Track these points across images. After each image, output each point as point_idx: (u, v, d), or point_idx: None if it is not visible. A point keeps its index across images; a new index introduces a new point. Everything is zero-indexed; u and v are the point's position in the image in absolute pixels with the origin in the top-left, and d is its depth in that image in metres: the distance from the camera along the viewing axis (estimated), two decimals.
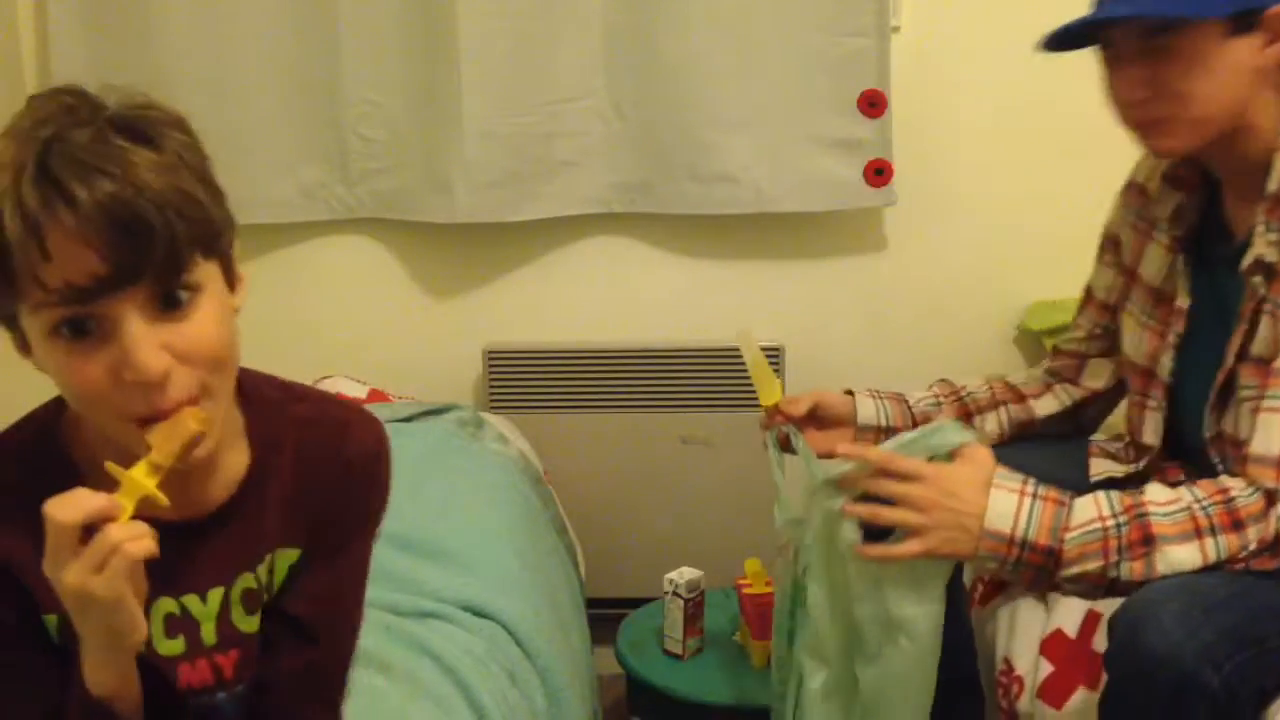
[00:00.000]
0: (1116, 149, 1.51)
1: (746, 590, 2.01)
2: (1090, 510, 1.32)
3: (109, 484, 0.89)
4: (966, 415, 1.72)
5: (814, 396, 1.69)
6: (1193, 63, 1.34)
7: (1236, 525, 1.26)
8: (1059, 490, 1.35)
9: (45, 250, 0.83)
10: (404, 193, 2.30)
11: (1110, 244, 1.67)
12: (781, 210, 2.26)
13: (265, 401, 1.05)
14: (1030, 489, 1.35)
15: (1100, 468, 1.63)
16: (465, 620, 1.55)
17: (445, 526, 1.74)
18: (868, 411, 1.70)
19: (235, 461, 1.03)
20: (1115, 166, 1.63)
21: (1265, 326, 1.34)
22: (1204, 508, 1.28)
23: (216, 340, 0.91)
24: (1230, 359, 1.39)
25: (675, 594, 1.96)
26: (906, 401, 1.73)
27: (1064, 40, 1.41)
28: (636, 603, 2.17)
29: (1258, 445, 1.29)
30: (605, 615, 2.17)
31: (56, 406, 0.99)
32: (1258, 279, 1.36)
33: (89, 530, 0.85)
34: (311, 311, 2.37)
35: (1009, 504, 1.33)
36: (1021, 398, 1.73)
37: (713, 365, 2.30)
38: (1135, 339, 1.60)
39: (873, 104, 2.20)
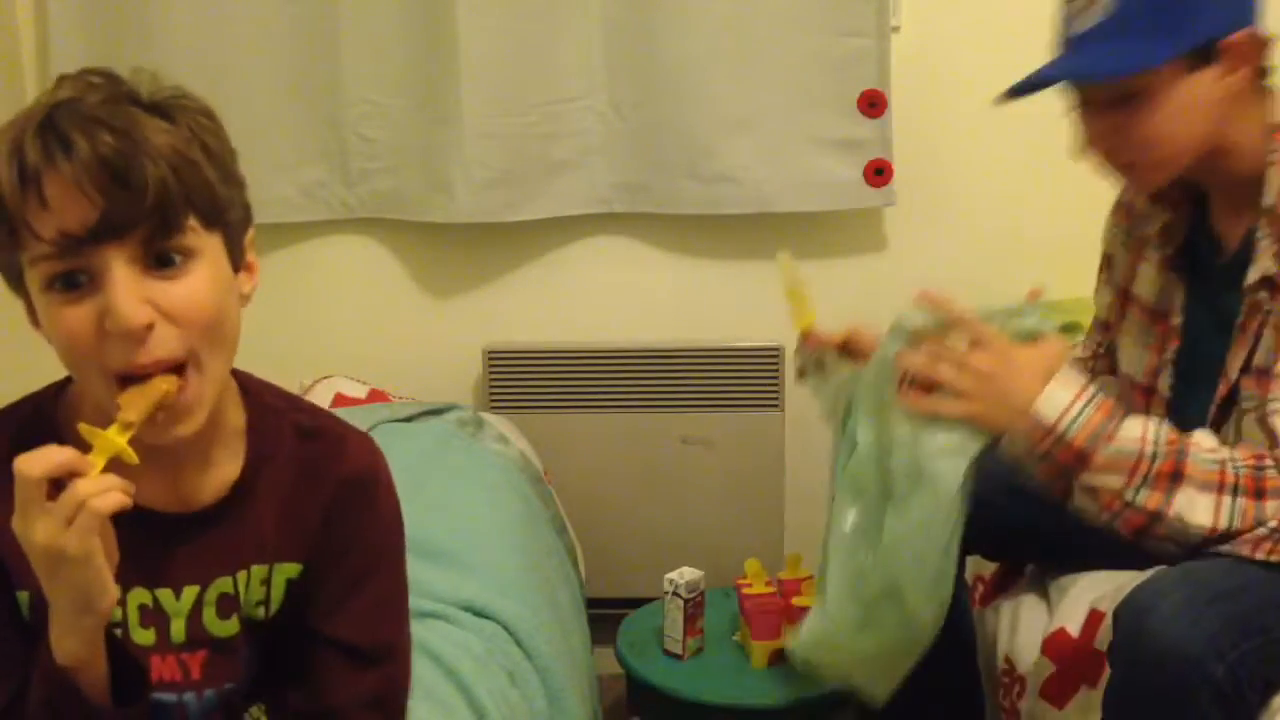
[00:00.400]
0: None
1: (746, 590, 2.01)
2: (1136, 429, 1.32)
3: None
4: None
5: (849, 328, 1.63)
6: (1157, 105, 1.36)
7: (1259, 493, 1.26)
8: (1115, 403, 1.35)
9: (43, 198, 0.86)
10: (404, 193, 2.30)
11: (1106, 263, 1.68)
12: (781, 210, 2.26)
13: (266, 407, 1.05)
14: (1089, 394, 1.35)
15: None
16: (465, 620, 1.55)
17: (445, 526, 1.73)
18: None
19: (230, 463, 1.02)
20: None
21: (1267, 337, 1.34)
22: (1235, 467, 1.28)
23: (208, 305, 0.91)
24: (1234, 373, 1.40)
25: (675, 594, 1.96)
26: None
27: (1028, 88, 1.44)
28: (636, 603, 2.17)
29: None
30: (605, 615, 2.17)
31: (56, 388, 1.00)
32: (1264, 294, 1.36)
33: (58, 487, 0.84)
34: (311, 311, 2.37)
35: (1064, 398, 1.34)
36: None
37: (713, 365, 2.30)
38: (1133, 357, 1.61)
39: (873, 104, 2.20)
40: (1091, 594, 1.50)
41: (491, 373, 2.32)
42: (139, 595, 1.00)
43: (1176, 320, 1.53)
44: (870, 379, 1.46)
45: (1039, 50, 2.17)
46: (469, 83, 2.19)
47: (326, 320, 2.40)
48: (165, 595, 1.00)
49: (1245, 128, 1.38)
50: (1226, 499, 1.27)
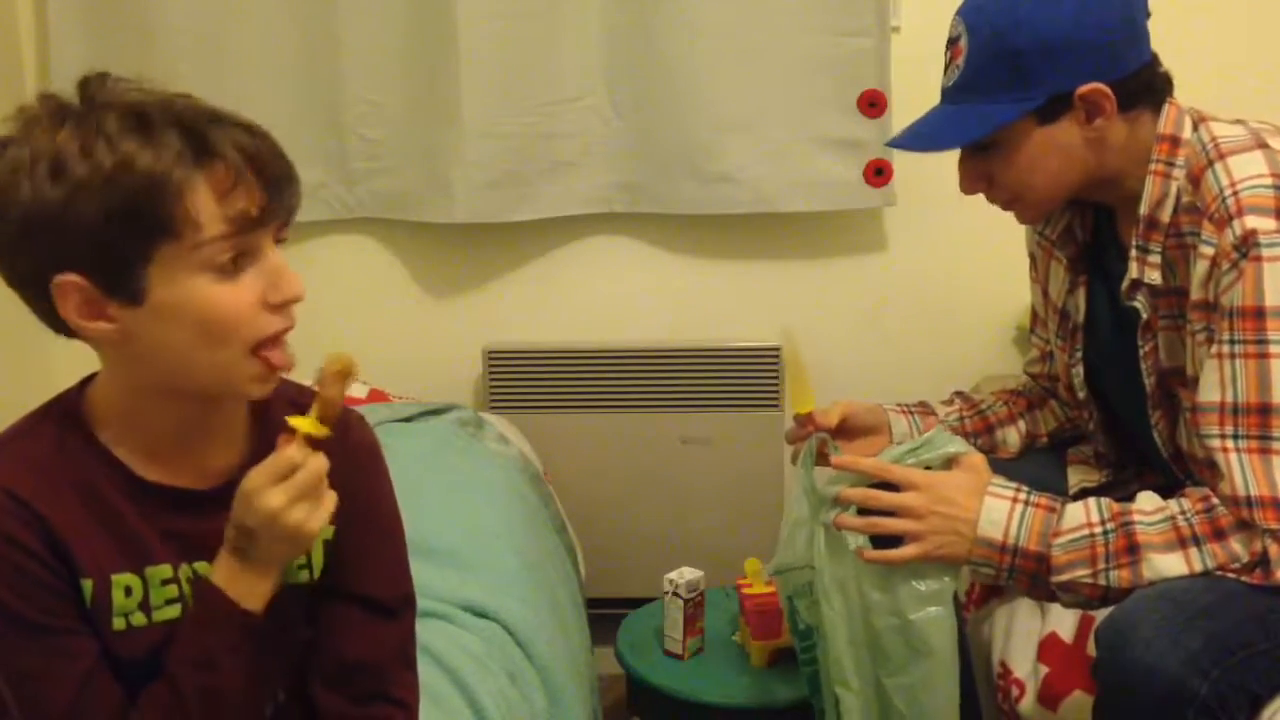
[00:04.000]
0: None
1: (746, 590, 2.01)
2: (1079, 517, 1.33)
3: (134, 456, 1.00)
4: (988, 429, 1.72)
5: (842, 407, 1.67)
6: (1015, 156, 1.40)
7: (1218, 534, 1.26)
8: (1051, 497, 1.36)
9: (236, 184, 0.93)
10: (404, 193, 2.30)
11: (1031, 262, 1.69)
12: (781, 210, 2.26)
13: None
14: (1023, 496, 1.36)
15: (1077, 477, 1.64)
16: (465, 620, 1.55)
17: (445, 527, 1.74)
18: (901, 429, 1.69)
19: (243, 439, 1.08)
20: None
21: (1190, 348, 1.35)
22: (1187, 518, 1.28)
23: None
24: (1149, 379, 1.42)
25: (675, 594, 1.96)
26: (935, 414, 1.73)
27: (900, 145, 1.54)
28: (636, 603, 2.17)
29: (1226, 486, 1.27)
30: (605, 615, 2.17)
31: (75, 392, 1.04)
32: (1140, 300, 1.39)
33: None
34: (311, 311, 2.35)
35: (1001, 511, 1.35)
36: (1030, 407, 1.74)
37: (713, 365, 2.30)
38: (1058, 356, 1.64)
39: (873, 104, 2.20)
40: None
41: (491, 373, 2.32)
42: (188, 571, 1.04)
43: (1080, 319, 1.55)
44: (824, 561, 1.48)
45: None
46: (469, 83, 2.19)
47: (326, 320, 2.39)
48: (203, 568, 1.04)
49: (1118, 161, 1.40)
50: (1192, 550, 1.26)
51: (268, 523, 0.96)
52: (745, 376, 2.30)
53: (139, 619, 1.01)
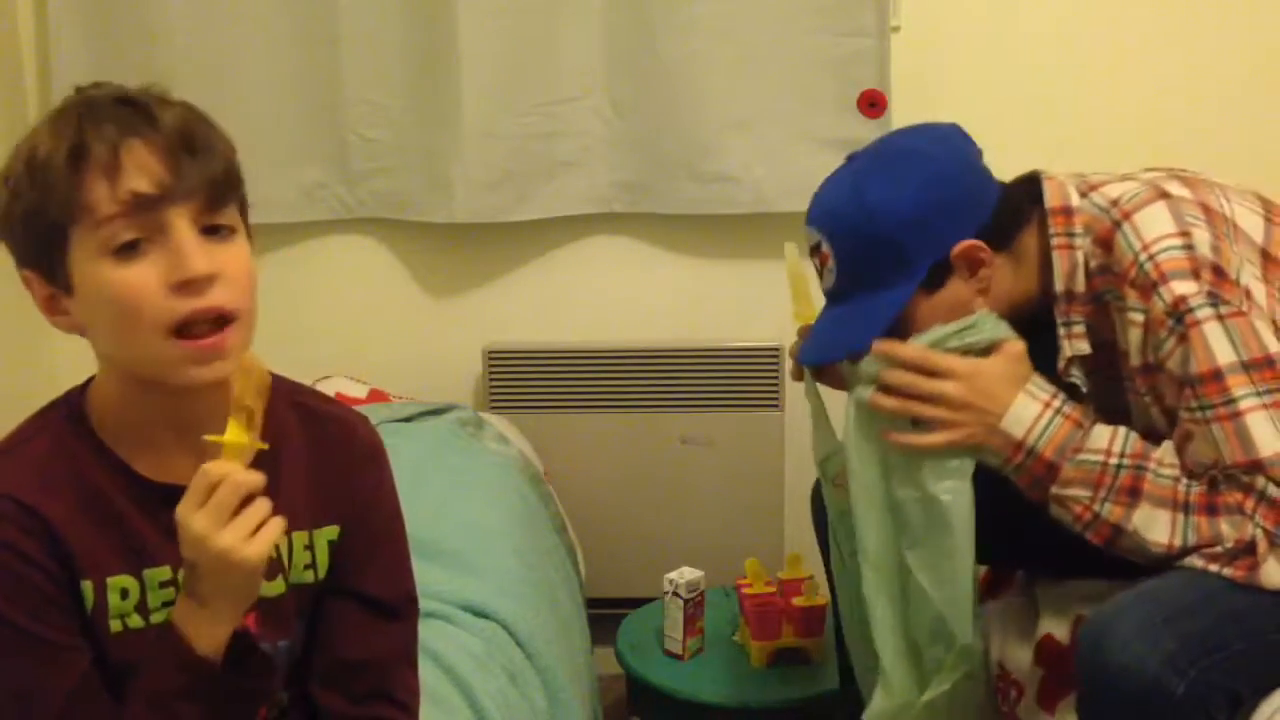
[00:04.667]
0: (1114, 149, 1.52)
1: (746, 590, 2.01)
2: (1102, 441, 1.34)
3: (134, 453, 1.01)
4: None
5: None
6: (917, 328, 1.41)
7: (1211, 509, 1.27)
8: (1084, 411, 1.37)
9: (119, 163, 0.92)
10: (404, 193, 2.30)
11: None
12: (781, 210, 2.25)
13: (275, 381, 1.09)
14: (1056, 404, 1.37)
15: None
16: (465, 620, 1.55)
17: (445, 526, 1.74)
18: None
19: None
20: (1113, 166, 1.63)
21: (1133, 403, 1.37)
22: (1189, 485, 1.29)
23: (251, 269, 1.00)
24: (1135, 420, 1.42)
25: (675, 594, 1.96)
26: None
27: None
28: (636, 603, 2.17)
29: (1229, 454, 1.28)
30: (605, 615, 2.18)
31: (77, 392, 1.04)
32: (1076, 374, 1.42)
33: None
34: (311, 311, 2.37)
35: (1031, 412, 1.36)
36: None
37: (713, 365, 2.30)
38: None
39: (873, 104, 2.20)
40: (1078, 600, 1.50)
41: (491, 373, 2.32)
42: None
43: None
44: (851, 436, 1.48)
45: (1038, 50, 2.18)
46: (469, 83, 2.19)
47: (326, 320, 2.40)
48: None
49: (1028, 274, 1.42)
50: (1180, 516, 1.28)
51: (199, 550, 0.93)
52: (745, 376, 2.30)
53: (135, 621, 1.01)
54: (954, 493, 1.40)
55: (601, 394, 2.31)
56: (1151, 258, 1.30)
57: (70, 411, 1.03)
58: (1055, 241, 1.39)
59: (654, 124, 2.24)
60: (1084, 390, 1.42)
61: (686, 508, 2.33)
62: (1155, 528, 1.29)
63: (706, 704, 1.89)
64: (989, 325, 1.42)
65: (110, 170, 0.92)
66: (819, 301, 1.55)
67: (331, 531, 1.10)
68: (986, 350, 1.41)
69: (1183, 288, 1.28)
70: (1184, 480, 1.30)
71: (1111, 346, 1.39)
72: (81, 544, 0.97)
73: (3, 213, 0.97)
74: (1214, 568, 1.25)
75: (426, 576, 1.59)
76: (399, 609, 1.15)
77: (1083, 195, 1.41)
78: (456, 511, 1.81)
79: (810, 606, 1.95)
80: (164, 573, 1.01)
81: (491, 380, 2.32)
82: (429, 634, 1.47)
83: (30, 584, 0.95)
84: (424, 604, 1.53)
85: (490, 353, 2.32)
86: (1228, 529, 1.25)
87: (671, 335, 2.36)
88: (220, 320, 0.96)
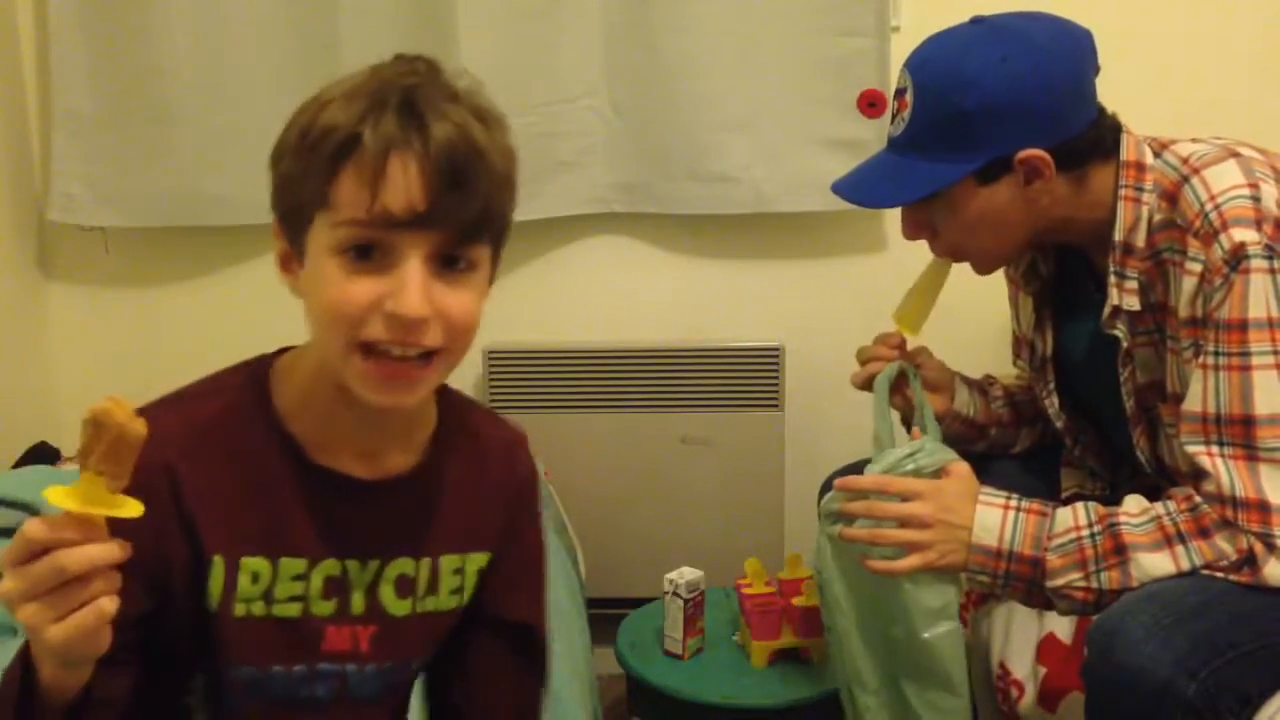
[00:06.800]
0: None
1: (746, 590, 2.01)
2: (1068, 520, 1.34)
3: (311, 427, 0.98)
4: (1019, 422, 1.74)
5: (926, 353, 1.67)
6: (954, 214, 1.41)
7: (1203, 532, 1.27)
8: (1041, 502, 1.38)
9: (381, 173, 0.88)
10: None
11: (1009, 292, 1.72)
12: (781, 210, 2.26)
13: (454, 397, 1.09)
14: (1014, 503, 1.37)
15: (1070, 481, 1.65)
16: None
17: None
18: (963, 398, 1.70)
19: (420, 442, 1.06)
20: None
21: (1171, 364, 1.36)
22: (1172, 517, 1.29)
23: (476, 316, 0.95)
24: (1129, 401, 1.43)
25: (675, 594, 1.96)
26: (987, 396, 1.73)
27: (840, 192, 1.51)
28: (636, 603, 2.17)
29: (1212, 485, 1.28)
30: (605, 615, 2.17)
31: (267, 359, 1.03)
32: (1120, 327, 1.40)
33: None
34: None
35: (994, 518, 1.36)
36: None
37: (713, 365, 2.30)
38: (1036, 387, 1.65)
39: (872, 104, 2.20)
40: None
41: (491, 373, 2.32)
42: (328, 568, 1.01)
43: (1047, 352, 1.57)
44: (832, 572, 1.50)
45: None
46: None
47: None
48: (353, 566, 1.02)
49: (1076, 204, 1.41)
50: (1179, 548, 1.28)
51: (9, 609, 0.79)
52: (745, 376, 2.30)
53: (259, 608, 0.97)
54: (945, 635, 1.43)
55: (601, 394, 2.31)
56: (1217, 207, 1.29)
57: (253, 378, 1.01)
58: (1123, 193, 1.38)
59: (654, 124, 2.24)
60: (1124, 344, 1.41)
61: (686, 508, 2.33)
62: (1158, 568, 1.28)
63: (706, 704, 1.89)
64: (935, 450, 1.45)
65: (370, 178, 0.88)
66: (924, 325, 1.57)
67: (482, 559, 1.08)
68: (936, 474, 1.42)
69: (1243, 234, 1.26)
70: (1165, 515, 1.29)
71: (1159, 309, 1.37)
72: (219, 516, 0.94)
73: (276, 153, 0.94)
74: (1220, 575, 1.26)
75: None
76: (538, 647, 1.13)
77: (1155, 155, 1.40)
78: None
79: (810, 606, 1.95)
80: (299, 565, 0.98)
81: (491, 380, 2.32)
82: None
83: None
84: None
85: (490, 353, 2.32)
86: (1226, 546, 1.26)
87: (671, 335, 2.36)
88: (423, 354, 0.93)
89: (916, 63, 1.44)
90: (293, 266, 0.96)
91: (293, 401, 1.00)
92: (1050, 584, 1.33)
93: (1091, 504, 1.35)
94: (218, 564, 0.95)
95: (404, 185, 0.88)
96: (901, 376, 1.59)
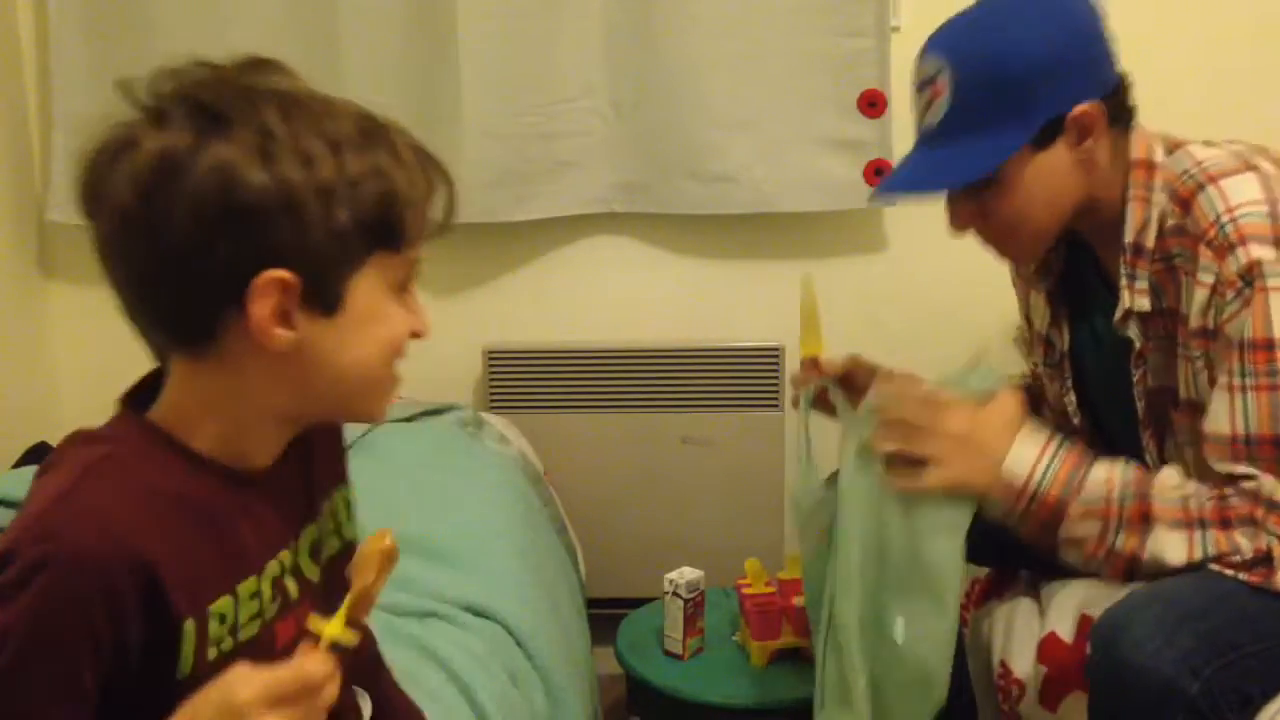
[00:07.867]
0: None
1: (746, 590, 2.01)
2: (1103, 475, 1.33)
3: (219, 444, 0.91)
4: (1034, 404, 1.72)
5: (850, 360, 1.63)
6: (1012, 190, 1.38)
7: (1225, 523, 1.27)
8: (1083, 450, 1.36)
9: (432, 207, 0.94)
10: None
11: (1015, 286, 1.71)
12: (781, 210, 2.26)
13: None
14: (1054, 445, 1.36)
15: None
16: (465, 620, 1.55)
17: (445, 526, 1.74)
18: None
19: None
20: None
21: (1184, 370, 1.36)
22: (1199, 501, 1.29)
23: None
24: (1140, 403, 1.43)
25: (675, 594, 1.96)
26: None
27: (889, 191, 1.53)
28: (636, 603, 2.17)
29: (1251, 483, 1.28)
30: (605, 615, 2.18)
31: (134, 417, 0.93)
32: (1133, 328, 1.39)
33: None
34: None
35: (1030, 454, 1.35)
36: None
37: (713, 365, 2.30)
38: (1047, 385, 1.65)
39: (872, 104, 2.20)
40: (1081, 600, 1.50)
41: (491, 373, 2.32)
42: (271, 570, 0.97)
43: (1065, 348, 1.56)
44: (849, 477, 1.47)
45: None
46: (469, 83, 2.19)
47: None
48: (285, 556, 0.99)
49: (1103, 183, 1.40)
50: (1197, 533, 1.28)
51: (222, 712, 0.81)
52: (745, 376, 2.30)
53: (227, 644, 0.92)
54: (945, 552, 1.40)
55: (601, 394, 2.31)
56: (1234, 220, 1.28)
57: (140, 428, 0.92)
58: (1133, 193, 1.38)
59: (654, 124, 2.24)
60: (1137, 346, 1.41)
61: (686, 508, 2.33)
62: (1171, 549, 1.28)
63: (706, 704, 1.89)
64: (989, 375, 1.43)
65: (432, 213, 0.94)
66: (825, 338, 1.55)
67: (346, 491, 1.09)
68: (987, 399, 1.41)
69: (1260, 251, 1.26)
70: (1194, 496, 1.29)
71: (1170, 314, 1.37)
72: (187, 576, 0.87)
73: (285, 201, 0.85)
74: (1230, 572, 1.26)
75: (427, 576, 1.60)
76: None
77: (1168, 152, 1.39)
78: (456, 511, 1.81)
79: None
80: (251, 584, 0.94)
81: (491, 380, 2.32)
82: (429, 634, 1.47)
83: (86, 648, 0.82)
84: (424, 604, 1.54)
85: (490, 353, 2.32)
86: (1244, 541, 1.25)
87: (671, 335, 2.36)
88: None
89: (946, 44, 1.41)
90: (289, 319, 0.88)
91: (210, 441, 0.92)
92: (1064, 532, 1.33)
93: (1131, 466, 1.34)
94: (189, 629, 0.88)
95: (437, 215, 0.95)
96: (823, 391, 1.58)
